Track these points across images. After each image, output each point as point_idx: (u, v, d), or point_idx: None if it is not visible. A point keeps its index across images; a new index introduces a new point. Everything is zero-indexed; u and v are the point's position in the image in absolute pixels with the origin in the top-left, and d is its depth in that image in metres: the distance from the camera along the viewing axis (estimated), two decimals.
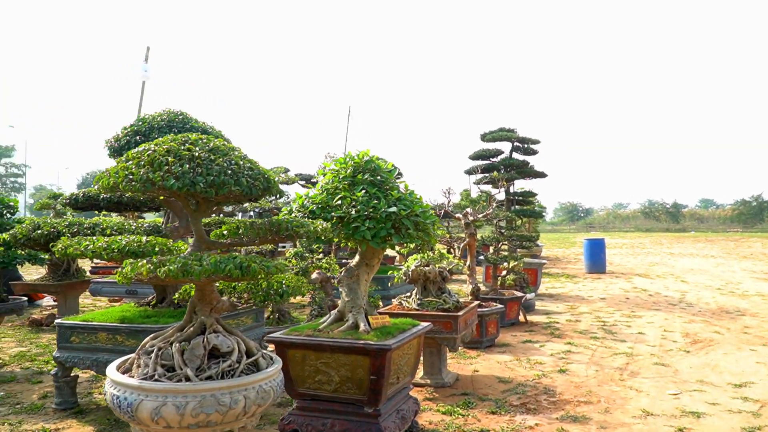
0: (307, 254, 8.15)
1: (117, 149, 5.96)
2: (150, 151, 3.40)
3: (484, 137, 14.89)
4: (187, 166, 3.28)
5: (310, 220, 4.11)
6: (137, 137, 5.95)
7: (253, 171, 3.58)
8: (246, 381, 3.33)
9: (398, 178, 12.90)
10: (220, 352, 3.46)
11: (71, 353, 5.83)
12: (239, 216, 14.23)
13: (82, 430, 5.24)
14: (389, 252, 16.22)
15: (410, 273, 6.90)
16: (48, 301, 13.64)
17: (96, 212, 7.25)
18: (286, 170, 14.99)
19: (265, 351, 3.86)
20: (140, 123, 6.13)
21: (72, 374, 5.97)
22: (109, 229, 5.29)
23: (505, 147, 14.91)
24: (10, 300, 7.68)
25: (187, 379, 3.24)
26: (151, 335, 3.64)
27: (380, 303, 10.76)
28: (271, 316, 9.07)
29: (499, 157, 14.82)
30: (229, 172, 3.40)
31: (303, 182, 13.89)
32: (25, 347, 8.73)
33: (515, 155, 14.86)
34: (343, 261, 10.08)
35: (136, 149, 3.50)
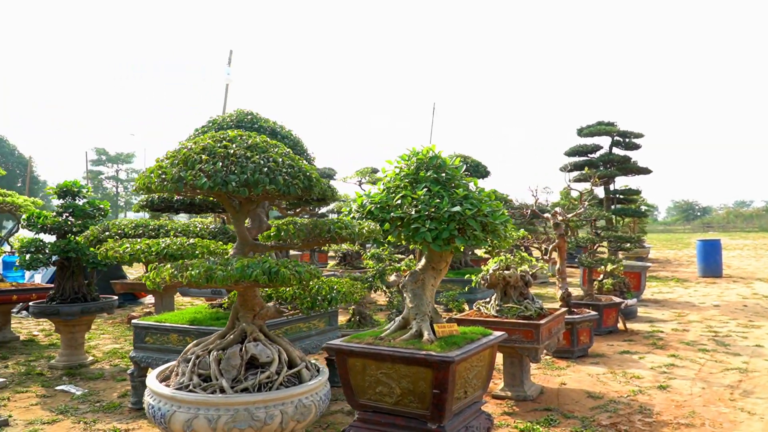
0: (384, 256, 7.89)
1: None
2: (186, 150, 3.26)
3: (581, 132, 14.01)
4: (220, 164, 3.09)
5: (360, 221, 3.82)
6: None
7: (293, 169, 3.34)
8: (283, 395, 3.09)
9: (485, 176, 12.42)
10: (259, 362, 3.25)
11: (145, 353, 5.91)
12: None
13: (151, 431, 5.25)
14: (478, 252, 15.66)
15: (488, 277, 6.44)
16: (151, 299, 14.30)
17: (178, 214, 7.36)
18: (374, 170, 14.86)
19: (311, 361, 3.60)
20: (210, 124, 6.12)
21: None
22: (173, 231, 5.28)
23: (605, 142, 13.96)
24: (101, 299, 7.99)
25: (222, 390, 3.06)
26: (194, 341, 3.49)
27: (465, 307, 10.33)
28: (352, 319, 8.89)
29: (598, 153, 13.90)
30: (265, 170, 3.18)
31: None
32: (119, 345, 9.11)
33: (615, 150, 13.86)
34: None
35: (174, 149, 3.36)
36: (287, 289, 3.93)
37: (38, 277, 13.67)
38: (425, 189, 4.44)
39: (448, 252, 4.81)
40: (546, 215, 8.47)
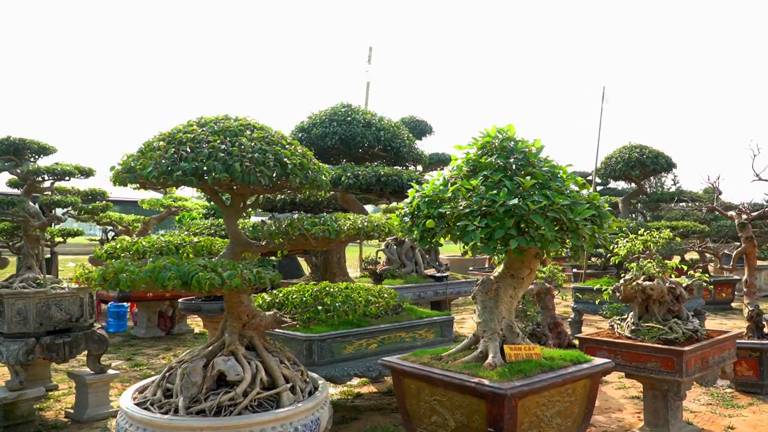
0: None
1: None
2: (170, 140, 2.96)
3: None
4: (173, 150, 2.73)
5: (348, 216, 3.18)
6: (300, 134, 5.74)
7: (263, 154, 2.85)
8: (242, 422, 2.62)
9: (672, 170, 10.53)
10: (227, 379, 2.82)
11: None
12: None
13: None
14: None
15: (622, 289, 5.25)
16: None
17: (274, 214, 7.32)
18: None
19: (318, 382, 3.08)
20: (308, 119, 5.90)
21: None
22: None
23: None
24: None
25: (177, 410, 2.69)
26: (188, 351, 3.19)
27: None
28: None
29: None
30: (222, 155, 2.74)
31: None
32: None
33: None
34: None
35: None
36: (295, 296, 3.45)
37: None
38: (483, 178, 3.64)
39: (534, 258, 3.92)
40: (730, 213, 6.77)
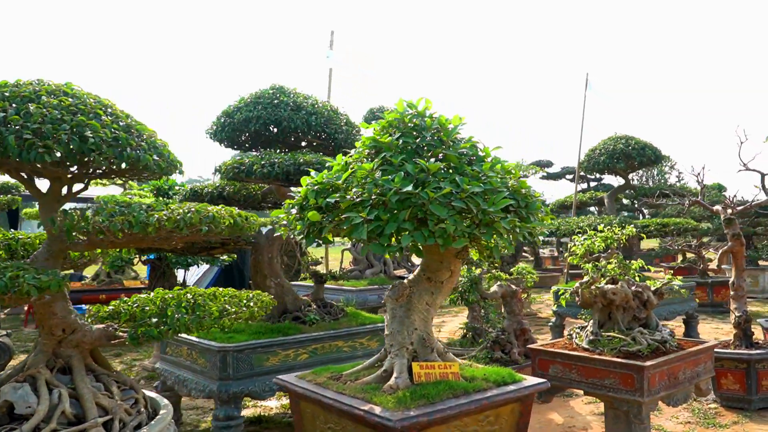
0: (481, 260, 6.32)
1: (213, 134, 5.25)
2: None
3: None
4: None
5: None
6: (224, 119, 5.14)
7: (92, 137, 2.23)
8: None
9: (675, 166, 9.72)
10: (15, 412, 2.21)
11: (163, 365, 5.30)
12: None
13: None
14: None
15: (580, 292, 4.59)
16: None
17: None
18: (536, 167, 12.91)
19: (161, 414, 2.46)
20: (235, 102, 5.31)
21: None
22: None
23: None
24: None
25: None
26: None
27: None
28: (467, 336, 7.42)
29: None
30: (29, 135, 2.12)
31: (543, 172, 11.67)
32: None
33: None
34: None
35: None
36: (136, 305, 2.83)
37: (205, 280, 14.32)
38: (381, 161, 3.01)
39: (449, 256, 3.29)
40: (715, 208, 6.08)
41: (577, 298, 4.64)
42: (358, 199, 2.84)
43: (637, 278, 4.50)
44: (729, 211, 5.76)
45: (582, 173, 12.34)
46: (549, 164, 17.95)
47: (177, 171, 2.83)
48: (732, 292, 5.92)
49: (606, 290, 4.47)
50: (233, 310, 2.88)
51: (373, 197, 2.80)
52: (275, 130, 4.90)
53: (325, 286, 6.50)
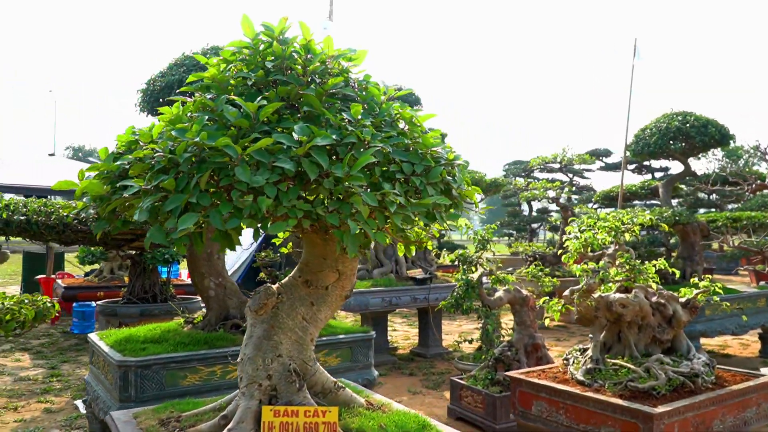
0: (471, 257, 5.18)
1: (139, 106, 4.43)
2: None
3: None
4: None
5: None
6: (144, 88, 4.32)
7: None
8: None
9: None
10: None
11: (88, 377, 4.53)
12: None
13: None
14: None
15: (575, 304, 3.39)
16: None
17: None
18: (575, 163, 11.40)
19: None
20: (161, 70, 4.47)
21: None
22: None
23: None
24: (174, 300, 6.98)
25: None
26: None
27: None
28: (482, 347, 6.24)
29: None
30: None
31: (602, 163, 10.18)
32: None
33: None
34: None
35: None
36: None
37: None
38: (199, 106, 2.01)
39: (334, 249, 2.25)
40: None
41: (574, 312, 3.46)
42: (149, 164, 1.86)
43: (653, 285, 3.26)
44: None
45: (635, 160, 10.73)
46: (607, 153, 16.24)
47: None
48: None
49: (611, 301, 3.26)
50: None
51: (160, 156, 1.81)
52: None
53: None
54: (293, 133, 1.80)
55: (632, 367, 3.14)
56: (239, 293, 4.60)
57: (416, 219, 1.95)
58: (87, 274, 9.83)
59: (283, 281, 2.37)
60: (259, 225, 1.74)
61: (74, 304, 9.71)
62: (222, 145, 1.71)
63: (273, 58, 2.12)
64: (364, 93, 2.16)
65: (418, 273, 7.80)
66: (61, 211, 4.81)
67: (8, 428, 4.78)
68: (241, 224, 1.70)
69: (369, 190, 1.87)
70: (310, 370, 2.32)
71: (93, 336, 4.47)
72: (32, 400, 5.55)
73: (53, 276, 10.79)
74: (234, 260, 12.46)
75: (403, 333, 9.35)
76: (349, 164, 1.78)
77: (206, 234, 1.83)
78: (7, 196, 5.23)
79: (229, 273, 12.84)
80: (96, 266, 9.96)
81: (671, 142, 7.15)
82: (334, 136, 1.80)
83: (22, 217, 4.16)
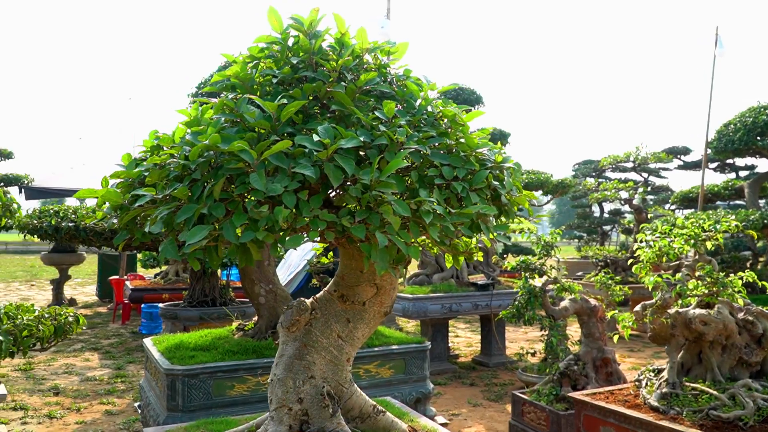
0: (533, 263, 4.86)
1: None
2: None
3: None
4: None
5: None
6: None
7: None
8: None
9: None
10: None
11: (143, 381, 4.53)
12: None
13: None
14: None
15: (649, 320, 3.06)
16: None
17: None
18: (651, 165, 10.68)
19: None
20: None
21: None
22: None
23: None
24: (235, 304, 7.00)
25: None
26: None
27: None
28: (548, 358, 5.89)
29: None
30: None
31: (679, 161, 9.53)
32: None
33: None
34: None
35: None
36: None
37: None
38: (223, 107, 1.86)
39: (361, 263, 2.06)
40: None
41: (649, 330, 3.12)
42: (168, 173, 1.73)
43: (740, 300, 2.88)
44: None
45: (717, 158, 9.91)
46: (685, 151, 15.24)
47: None
48: None
49: (690, 318, 2.91)
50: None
51: (174, 163, 1.67)
52: None
53: None
54: (316, 135, 1.61)
55: (715, 393, 2.78)
56: (290, 301, 4.48)
57: (458, 230, 1.73)
58: (158, 275, 10.08)
59: (317, 296, 2.20)
60: (277, 239, 1.56)
61: (142, 306, 9.97)
62: (237, 150, 1.54)
63: (300, 53, 1.94)
64: (404, 89, 1.96)
65: (480, 278, 7.51)
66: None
67: (69, 430, 4.85)
68: (257, 236, 1.53)
69: (404, 198, 1.66)
70: (346, 392, 2.14)
71: (147, 341, 4.46)
72: (95, 402, 5.64)
73: (124, 277, 11.13)
74: (295, 265, 12.42)
75: (465, 339, 9.06)
76: (379, 169, 1.57)
77: (221, 247, 1.67)
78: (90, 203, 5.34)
79: (286, 283, 12.85)
80: (164, 268, 10.22)
81: (758, 137, 6.54)
82: (362, 138, 1.60)
83: (71, 224, 4.22)
